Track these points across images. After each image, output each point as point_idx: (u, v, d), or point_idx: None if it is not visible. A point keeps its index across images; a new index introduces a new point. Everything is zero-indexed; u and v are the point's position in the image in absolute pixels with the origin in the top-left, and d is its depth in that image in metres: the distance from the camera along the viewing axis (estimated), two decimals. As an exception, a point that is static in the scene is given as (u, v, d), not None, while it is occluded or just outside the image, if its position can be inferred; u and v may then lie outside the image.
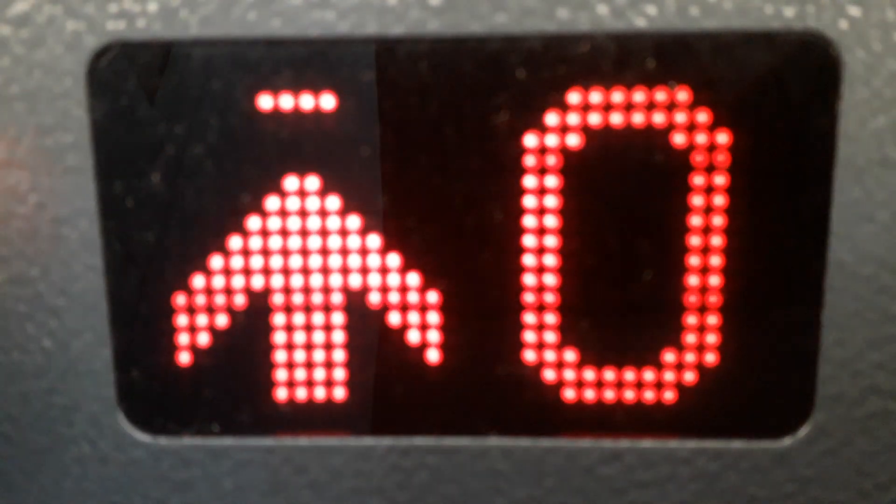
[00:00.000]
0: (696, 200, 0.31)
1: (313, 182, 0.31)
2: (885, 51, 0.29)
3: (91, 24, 0.30)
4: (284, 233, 0.32)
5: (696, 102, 0.30)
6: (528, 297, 0.32)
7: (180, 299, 0.32)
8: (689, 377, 0.32)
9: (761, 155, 0.30)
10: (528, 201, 0.31)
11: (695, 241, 0.31)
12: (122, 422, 0.33)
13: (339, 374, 0.33)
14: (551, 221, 0.31)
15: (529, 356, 0.32)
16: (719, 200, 0.31)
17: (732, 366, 0.32)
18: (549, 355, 0.32)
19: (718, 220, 0.31)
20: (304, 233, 0.32)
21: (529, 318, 0.32)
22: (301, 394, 0.33)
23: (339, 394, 0.33)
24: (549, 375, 0.33)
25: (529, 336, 0.32)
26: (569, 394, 0.33)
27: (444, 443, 0.33)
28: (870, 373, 0.31)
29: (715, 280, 0.31)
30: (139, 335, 0.32)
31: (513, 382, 0.32)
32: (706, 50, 0.30)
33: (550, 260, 0.32)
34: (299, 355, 0.33)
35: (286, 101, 0.31)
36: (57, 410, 0.33)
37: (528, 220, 0.31)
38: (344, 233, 0.32)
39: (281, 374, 0.33)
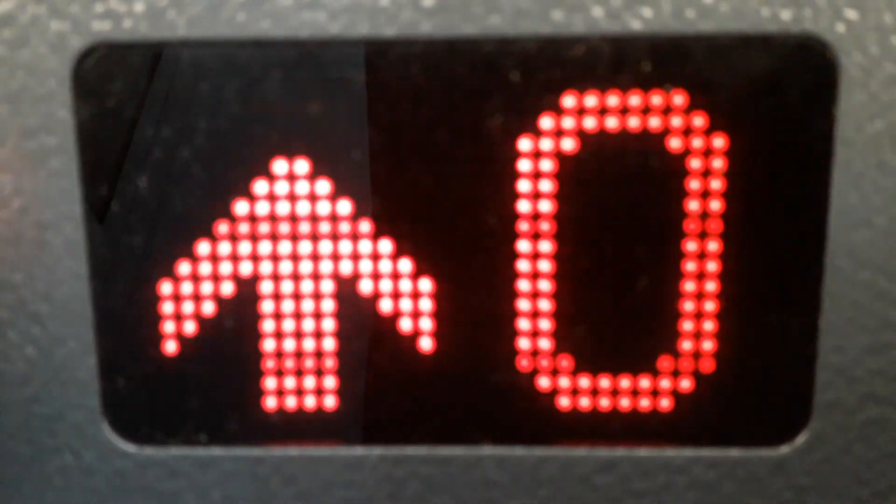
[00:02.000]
0: (693, 205, 0.30)
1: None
2: (883, 54, 0.29)
3: (76, 24, 0.29)
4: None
5: (692, 106, 0.30)
6: (523, 304, 0.31)
7: (167, 307, 0.32)
8: (686, 384, 0.32)
9: (758, 159, 0.30)
10: (523, 206, 0.31)
11: (691, 246, 0.31)
12: (107, 431, 0.32)
13: (330, 382, 0.33)
14: (546, 226, 0.31)
15: (524, 363, 0.32)
16: (715, 205, 0.30)
17: (729, 373, 0.32)
18: (544, 362, 0.32)
19: (715, 226, 0.31)
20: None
21: (524, 324, 0.32)
22: (290, 402, 0.33)
23: (330, 402, 0.33)
24: (543, 383, 0.32)
25: (524, 343, 0.32)
26: (564, 401, 0.32)
27: (437, 452, 0.32)
28: (868, 380, 0.31)
29: (711, 286, 0.31)
30: (125, 343, 0.32)
31: (507, 390, 0.32)
32: (702, 53, 0.29)
33: (545, 265, 0.31)
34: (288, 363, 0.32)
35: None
36: (40, 420, 0.32)
37: (523, 225, 0.31)
38: (334, 233, 0.31)
39: (270, 383, 0.32)
